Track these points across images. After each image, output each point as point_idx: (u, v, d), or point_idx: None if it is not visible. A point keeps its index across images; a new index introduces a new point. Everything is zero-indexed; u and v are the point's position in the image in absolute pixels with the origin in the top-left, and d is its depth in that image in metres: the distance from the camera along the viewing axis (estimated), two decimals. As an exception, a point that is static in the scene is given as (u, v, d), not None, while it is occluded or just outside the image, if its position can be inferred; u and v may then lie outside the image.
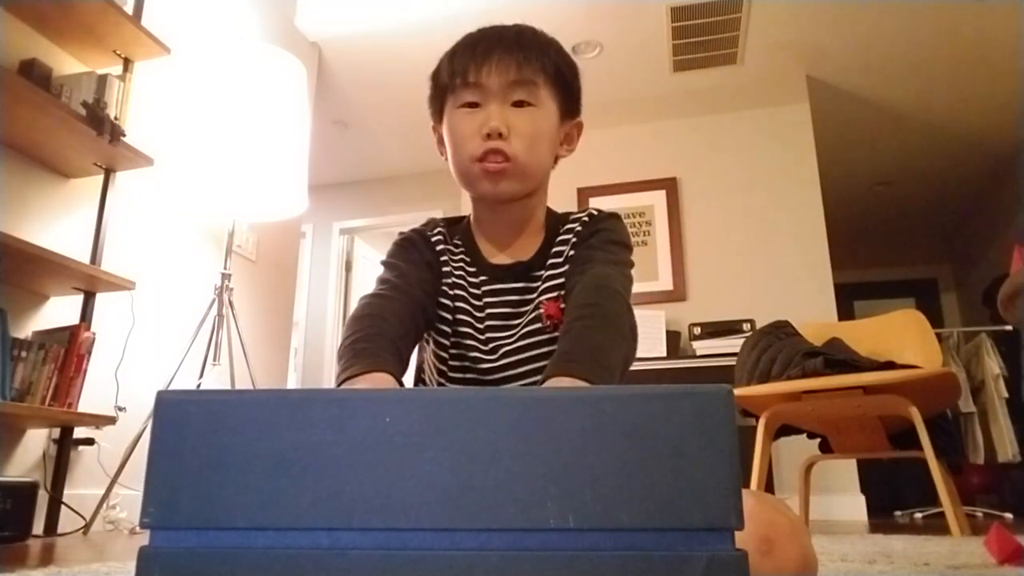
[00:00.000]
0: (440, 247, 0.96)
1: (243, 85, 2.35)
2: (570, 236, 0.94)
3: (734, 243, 3.88)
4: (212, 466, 0.37)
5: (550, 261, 0.93)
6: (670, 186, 4.03)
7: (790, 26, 3.60)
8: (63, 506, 2.02)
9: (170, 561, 0.37)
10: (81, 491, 2.12)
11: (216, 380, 2.31)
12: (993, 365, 4.01)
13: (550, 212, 0.99)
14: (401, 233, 1.00)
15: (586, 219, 0.95)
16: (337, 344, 0.88)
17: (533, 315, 0.91)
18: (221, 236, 2.56)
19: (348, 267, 5.22)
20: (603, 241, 0.92)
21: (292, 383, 3.93)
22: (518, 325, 0.91)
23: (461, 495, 0.36)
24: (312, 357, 4.94)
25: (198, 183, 2.32)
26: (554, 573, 0.36)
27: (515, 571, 0.36)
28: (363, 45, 3.69)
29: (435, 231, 0.98)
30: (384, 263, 0.95)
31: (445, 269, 0.95)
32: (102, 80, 2.14)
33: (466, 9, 3.27)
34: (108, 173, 2.26)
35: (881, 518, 3.64)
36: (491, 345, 0.91)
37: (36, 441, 2.05)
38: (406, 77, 3.85)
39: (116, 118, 2.13)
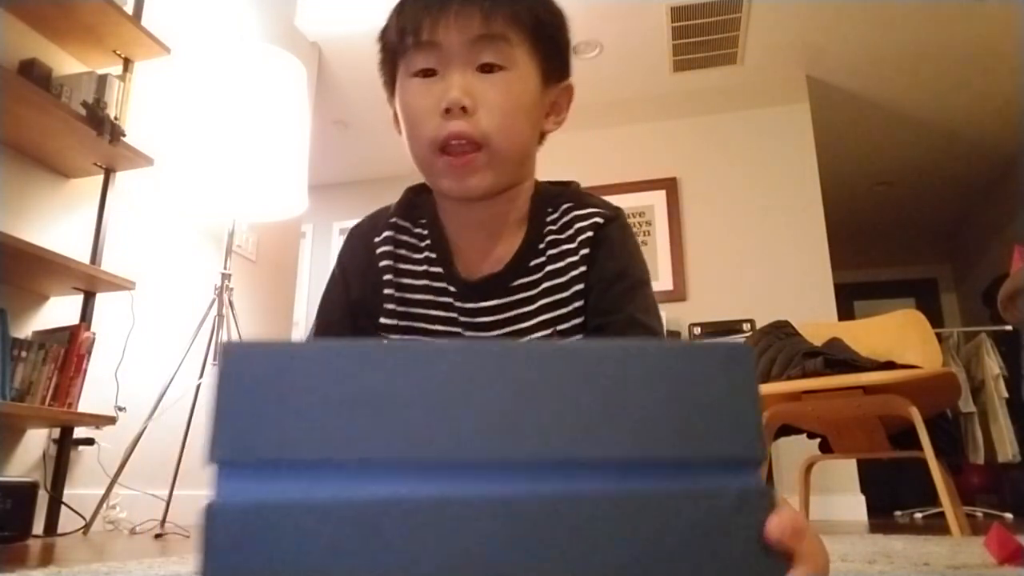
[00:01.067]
0: (385, 260, 0.78)
1: (243, 85, 2.35)
2: (565, 249, 0.76)
3: (734, 243, 3.88)
4: (277, 412, 0.39)
5: (541, 279, 0.76)
6: (670, 186, 4.03)
7: (790, 26, 3.60)
8: (63, 506, 2.01)
9: (234, 514, 0.38)
10: (81, 491, 2.12)
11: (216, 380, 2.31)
12: (993, 365, 4.01)
13: (535, 193, 0.80)
14: (348, 234, 0.84)
15: (590, 234, 0.76)
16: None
17: None
18: (221, 236, 2.56)
19: (348, 267, 5.22)
20: (635, 288, 0.75)
21: (292, 383, 3.93)
22: None
23: (516, 437, 0.39)
24: (312, 357, 4.94)
25: (198, 183, 2.32)
26: (602, 509, 0.39)
27: (565, 508, 0.39)
28: (363, 45, 3.69)
29: (384, 234, 0.79)
30: (316, 314, 0.82)
31: (388, 291, 0.77)
32: (102, 80, 2.14)
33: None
34: (108, 173, 2.26)
35: (881, 518, 3.64)
36: None
37: (36, 441, 2.05)
38: (406, 77, 3.85)
39: (116, 118, 2.13)
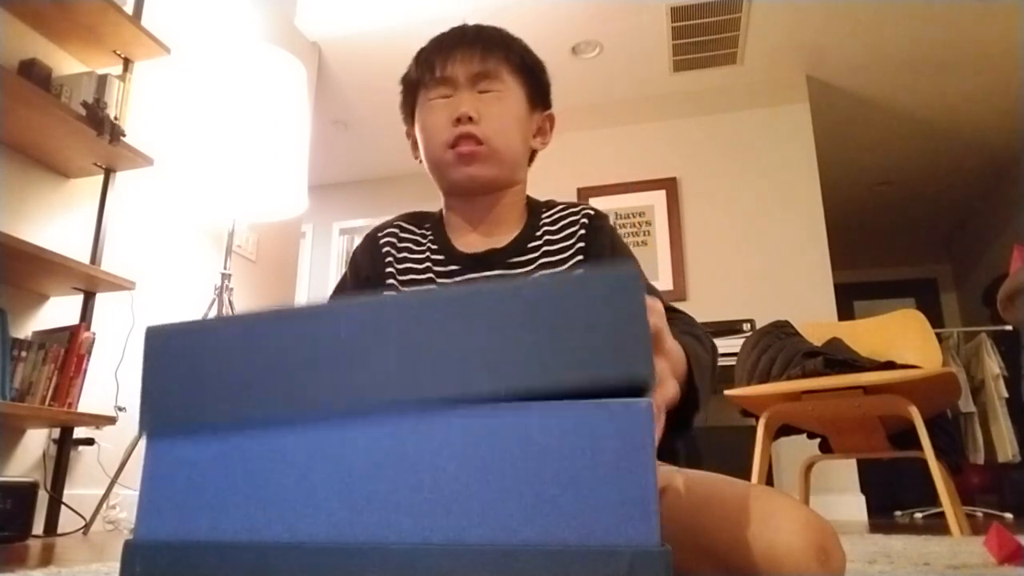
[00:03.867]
0: (386, 247, 0.93)
1: (243, 85, 2.35)
2: (564, 235, 0.89)
3: (734, 243, 3.88)
4: (194, 383, 0.44)
5: (537, 257, 0.89)
6: (670, 186, 4.03)
7: (790, 26, 3.60)
8: (63, 506, 2.02)
9: (152, 553, 0.41)
10: (81, 491, 2.12)
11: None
12: (993, 365, 4.01)
13: (530, 201, 0.97)
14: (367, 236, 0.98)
15: (584, 221, 0.90)
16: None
17: None
18: (221, 236, 2.56)
19: (348, 267, 5.22)
20: (629, 258, 0.88)
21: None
22: None
23: (406, 388, 0.41)
24: (312, 357, 4.93)
25: (198, 183, 2.32)
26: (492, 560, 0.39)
27: (453, 562, 0.39)
28: (363, 45, 3.69)
29: (387, 229, 0.95)
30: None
31: (389, 270, 0.91)
32: (102, 80, 2.14)
33: (466, 9, 3.27)
34: (108, 173, 2.26)
35: (881, 518, 3.64)
36: None
37: (36, 441, 2.05)
38: (406, 77, 3.85)
39: (116, 118, 2.13)
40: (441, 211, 0.97)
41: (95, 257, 2.19)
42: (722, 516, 0.64)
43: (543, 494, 0.39)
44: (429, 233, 0.94)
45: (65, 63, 2.21)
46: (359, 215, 5.27)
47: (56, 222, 2.16)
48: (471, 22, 0.96)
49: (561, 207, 0.94)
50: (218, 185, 2.31)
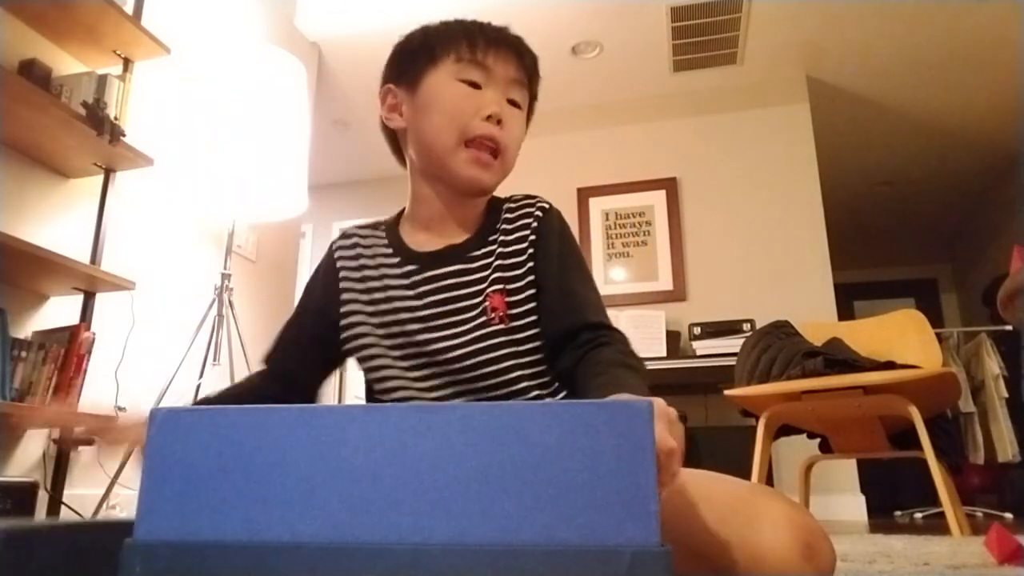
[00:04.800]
0: (340, 262, 0.92)
1: (243, 85, 2.35)
2: (518, 226, 0.88)
3: (734, 243, 3.88)
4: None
5: (494, 249, 0.87)
6: (670, 186, 4.03)
7: (790, 26, 3.60)
8: (63, 506, 2.01)
9: (152, 553, 0.41)
10: (81, 491, 2.11)
11: (216, 380, 2.31)
12: (993, 365, 4.00)
13: (492, 197, 0.95)
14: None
15: (537, 217, 0.88)
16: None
17: (480, 308, 0.84)
18: (221, 236, 2.56)
19: (348, 267, 5.22)
20: (573, 267, 0.86)
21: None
22: (464, 319, 0.84)
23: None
24: (312, 357, 4.93)
25: (198, 183, 2.32)
26: (495, 565, 0.39)
27: (453, 562, 0.39)
28: (363, 45, 3.69)
29: (340, 241, 0.94)
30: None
31: (344, 285, 0.90)
32: (102, 80, 2.14)
33: (467, 9, 3.25)
34: (108, 173, 2.26)
35: (881, 518, 3.64)
36: (435, 334, 0.84)
37: (36, 441, 2.05)
38: (406, 77, 3.85)
39: (116, 118, 2.12)
40: (398, 214, 0.94)
41: (95, 257, 2.19)
42: (711, 518, 0.64)
43: (543, 494, 0.38)
44: (383, 237, 0.92)
45: (65, 63, 2.21)
46: (359, 215, 5.27)
47: (56, 222, 2.16)
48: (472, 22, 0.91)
49: (519, 202, 0.91)
50: (218, 185, 2.31)
